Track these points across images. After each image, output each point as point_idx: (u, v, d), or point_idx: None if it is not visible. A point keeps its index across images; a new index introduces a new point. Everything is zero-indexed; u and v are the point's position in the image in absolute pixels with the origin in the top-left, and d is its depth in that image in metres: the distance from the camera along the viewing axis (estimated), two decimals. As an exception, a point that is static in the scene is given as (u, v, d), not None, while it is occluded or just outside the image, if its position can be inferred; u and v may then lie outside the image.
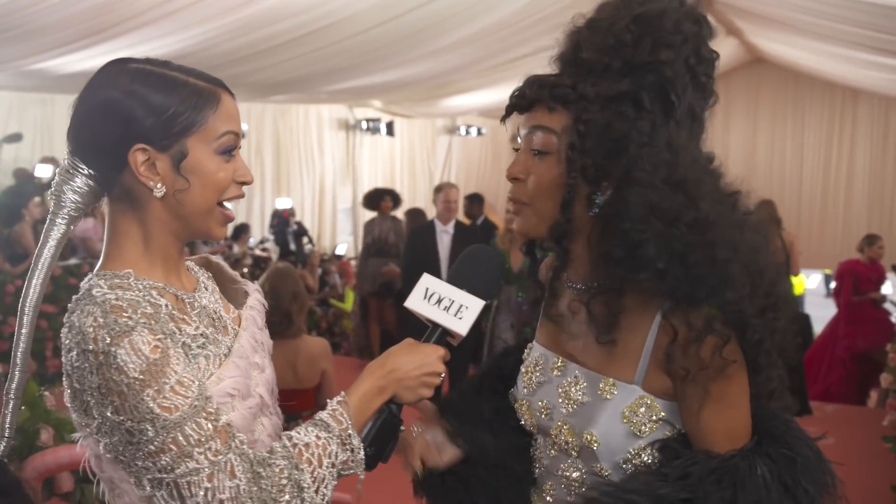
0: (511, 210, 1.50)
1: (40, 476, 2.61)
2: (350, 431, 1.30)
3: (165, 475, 1.19)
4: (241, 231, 10.51)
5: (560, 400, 1.43)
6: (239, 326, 1.44)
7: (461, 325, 1.41)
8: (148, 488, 1.22)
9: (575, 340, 1.45)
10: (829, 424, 6.84)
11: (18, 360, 1.36)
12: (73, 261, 8.06)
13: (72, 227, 1.36)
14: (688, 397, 1.33)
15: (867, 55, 9.49)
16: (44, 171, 9.00)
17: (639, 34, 1.35)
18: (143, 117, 1.26)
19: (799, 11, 8.80)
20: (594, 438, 1.36)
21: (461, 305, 1.42)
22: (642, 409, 1.35)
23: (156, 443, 1.18)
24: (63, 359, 1.24)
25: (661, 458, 1.34)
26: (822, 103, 15.14)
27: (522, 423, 1.54)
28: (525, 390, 1.52)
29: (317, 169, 12.73)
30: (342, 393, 1.34)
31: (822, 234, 14.75)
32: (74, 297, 1.28)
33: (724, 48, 13.11)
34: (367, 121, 13.08)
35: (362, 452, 1.31)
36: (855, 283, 7.95)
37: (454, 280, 1.45)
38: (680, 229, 1.29)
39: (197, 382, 1.23)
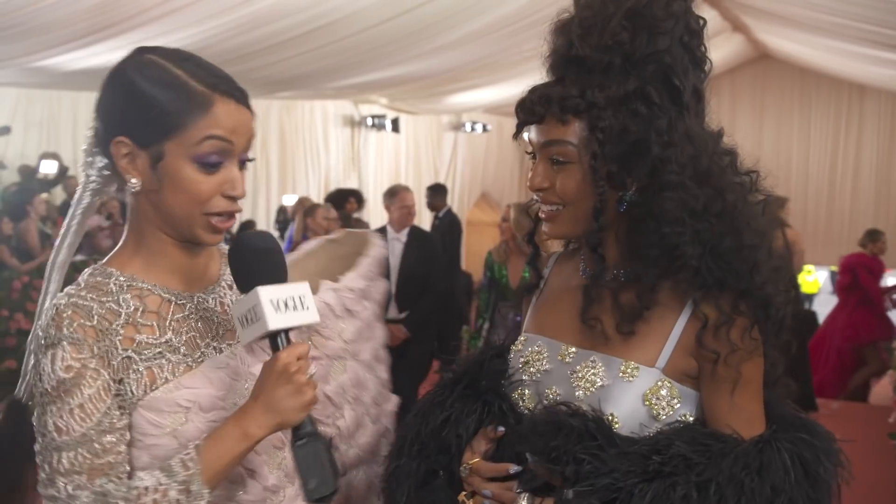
0: (542, 217, 1.48)
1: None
2: (196, 478, 1.21)
3: (41, 488, 1.24)
4: (247, 227, 10.51)
5: (574, 384, 1.42)
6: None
7: (313, 315, 1.29)
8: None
9: (590, 328, 1.44)
10: (833, 420, 6.81)
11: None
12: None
13: (97, 199, 1.38)
14: (719, 381, 1.37)
15: (874, 51, 9.46)
16: (47, 168, 9.01)
17: (633, 29, 1.34)
18: (130, 110, 1.26)
19: (805, 7, 8.78)
20: (614, 419, 1.37)
21: (300, 296, 1.28)
22: (663, 392, 1.37)
23: (39, 457, 1.24)
24: None
25: (685, 441, 1.34)
26: (828, 100, 15.09)
27: (520, 411, 1.52)
28: (527, 378, 1.51)
29: (322, 165, 12.73)
30: (203, 439, 1.26)
31: (828, 232, 14.71)
32: None
33: (731, 45, 13.07)
34: (373, 117, 13.07)
35: (204, 501, 1.22)
36: (854, 276, 7.99)
37: (275, 278, 1.29)
38: (710, 221, 1.33)
39: (101, 413, 1.22)
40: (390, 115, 13.28)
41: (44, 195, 8.48)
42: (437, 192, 9.11)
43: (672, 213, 1.32)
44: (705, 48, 1.42)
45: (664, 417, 1.37)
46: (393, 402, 1.79)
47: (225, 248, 1.43)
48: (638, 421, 1.37)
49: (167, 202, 1.28)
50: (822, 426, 1.42)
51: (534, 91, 1.42)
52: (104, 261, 1.35)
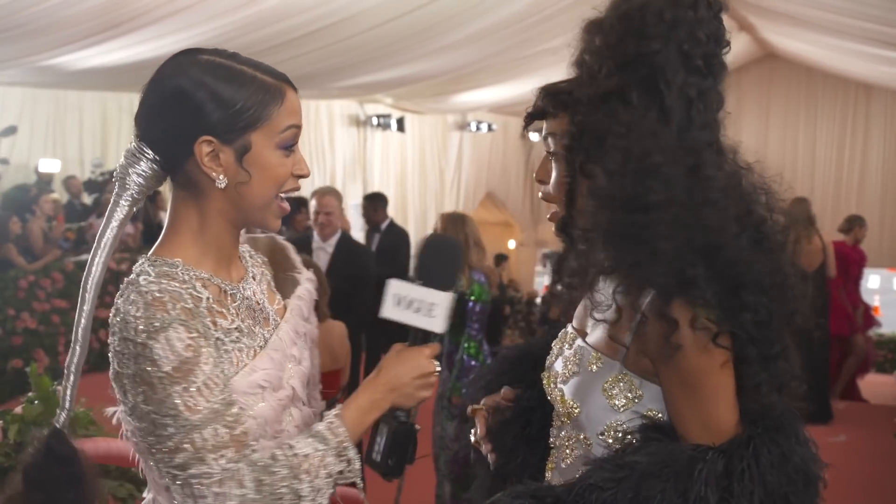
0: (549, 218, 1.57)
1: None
2: (346, 444, 1.33)
3: (179, 472, 1.25)
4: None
5: (563, 370, 1.51)
6: (282, 318, 1.48)
7: (436, 324, 1.44)
8: (166, 479, 1.28)
9: (588, 317, 1.51)
10: (839, 421, 6.80)
11: (79, 336, 1.39)
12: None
13: (134, 208, 1.41)
14: (662, 383, 1.36)
15: (880, 50, 9.45)
16: (47, 166, 9.03)
17: (622, 31, 1.37)
18: (211, 110, 1.31)
19: (812, 7, 8.77)
20: (574, 405, 1.44)
21: (431, 304, 1.44)
22: (621, 385, 1.39)
23: (174, 440, 1.24)
24: (109, 339, 1.31)
25: (639, 437, 1.37)
26: (834, 99, 15.06)
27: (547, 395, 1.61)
28: (548, 361, 1.60)
29: (328, 165, 12.74)
30: (338, 406, 1.38)
31: (833, 231, 14.66)
32: (126, 279, 1.33)
33: (737, 44, 12.99)
34: (378, 117, 13.07)
35: (357, 464, 1.35)
36: (844, 265, 7.66)
37: (420, 277, 1.48)
38: (627, 213, 1.31)
39: (222, 385, 1.28)
40: (396, 114, 13.29)
41: (52, 195, 8.50)
42: (375, 202, 7.11)
43: (591, 200, 1.37)
44: (710, 58, 1.39)
45: (623, 409, 1.39)
46: None
47: (246, 248, 1.53)
48: (596, 411, 1.41)
49: (253, 191, 1.35)
50: (804, 451, 1.32)
51: (539, 88, 1.55)
52: (156, 250, 1.38)
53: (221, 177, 1.33)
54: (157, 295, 1.27)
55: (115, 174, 1.41)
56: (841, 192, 15.09)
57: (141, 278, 1.30)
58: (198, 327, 1.28)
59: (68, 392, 1.40)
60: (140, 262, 1.36)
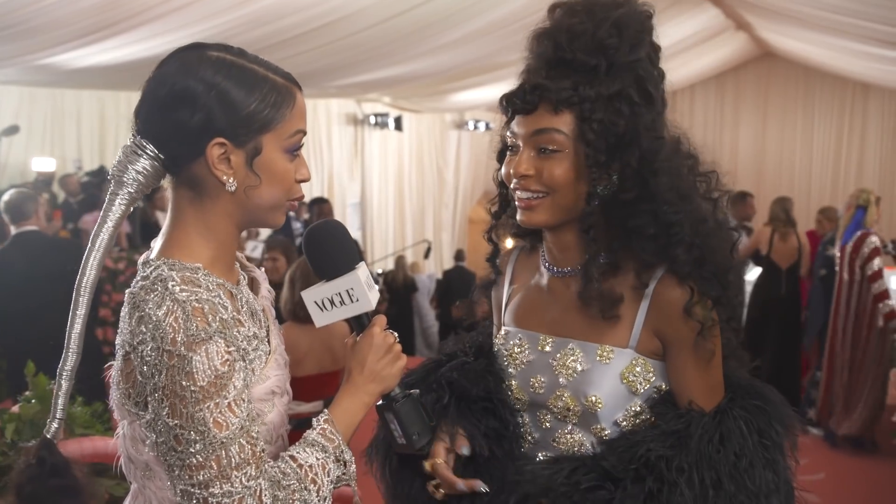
0: (520, 205, 1.55)
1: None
2: (342, 448, 1.33)
3: (198, 490, 1.21)
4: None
5: (556, 372, 1.55)
6: (268, 320, 1.44)
7: (365, 304, 1.42)
8: (178, 497, 1.23)
9: (562, 317, 1.58)
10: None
11: (73, 342, 1.33)
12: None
13: (131, 207, 1.35)
14: (675, 358, 1.51)
15: (878, 49, 9.45)
16: (42, 165, 9.00)
17: (620, 37, 1.47)
18: (224, 112, 1.26)
19: (809, 5, 8.77)
20: (598, 400, 1.51)
21: (347, 289, 1.41)
22: (638, 369, 1.51)
23: (199, 457, 1.20)
24: (129, 342, 1.24)
25: (654, 415, 1.50)
26: (832, 98, 15.05)
27: (510, 403, 1.63)
28: (512, 370, 1.62)
29: (325, 164, 12.73)
30: (325, 411, 1.37)
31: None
32: (140, 282, 1.26)
33: (734, 43, 13.05)
34: (376, 115, 13.06)
35: (353, 466, 1.35)
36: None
37: (322, 274, 1.44)
38: (693, 204, 1.51)
39: (247, 402, 1.25)
40: (393, 113, 13.27)
41: (45, 195, 8.48)
42: (314, 206, 6.96)
43: (666, 195, 1.46)
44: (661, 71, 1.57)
45: (642, 391, 1.51)
46: None
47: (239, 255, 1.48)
48: (617, 399, 1.51)
49: (261, 195, 1.32)
50: (775, 391, 1.55)
51: (529, 83, 1.54)
52: (169, 252, 1.31)
53: (231, 180, 1.29)
54: (196, 304, 1.21)
55: (111, 171, 1.34)
56: (838, 191, 15.08)
57: (170, 284, 1.22)
58: (235, 339, 1.25)
59: (60, 400, 1.35)
60: (155, 264, 1.27)
